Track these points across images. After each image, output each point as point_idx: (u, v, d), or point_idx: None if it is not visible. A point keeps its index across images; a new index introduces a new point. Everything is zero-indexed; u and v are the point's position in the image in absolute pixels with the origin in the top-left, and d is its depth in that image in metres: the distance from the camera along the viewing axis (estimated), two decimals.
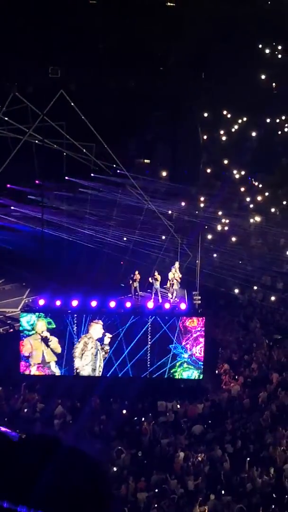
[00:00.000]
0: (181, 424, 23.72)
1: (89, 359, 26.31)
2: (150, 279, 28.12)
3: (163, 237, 34.62)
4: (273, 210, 41.69)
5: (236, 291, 34.48)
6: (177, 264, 28.97)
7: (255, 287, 35.06)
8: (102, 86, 37.35)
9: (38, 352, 26.22)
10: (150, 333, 26.54)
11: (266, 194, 42.21)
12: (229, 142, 43.70)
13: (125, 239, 35.82)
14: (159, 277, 28.09)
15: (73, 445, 1.74)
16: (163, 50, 40.22)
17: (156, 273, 28.14)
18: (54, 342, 26.14)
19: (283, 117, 44.25)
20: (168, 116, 38.74)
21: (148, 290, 28.51)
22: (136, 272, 28.21)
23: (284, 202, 42.09)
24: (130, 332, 26.42)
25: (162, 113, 38.22)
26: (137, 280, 28.16)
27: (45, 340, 26.06)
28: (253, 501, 18.67)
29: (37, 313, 26.51)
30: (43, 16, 37.90)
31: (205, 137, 43.17)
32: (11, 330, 28.26)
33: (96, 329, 26.26)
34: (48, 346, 26.10)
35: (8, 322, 28.65)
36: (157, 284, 28.04)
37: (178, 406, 25.07)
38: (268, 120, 44.25)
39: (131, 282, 28.20)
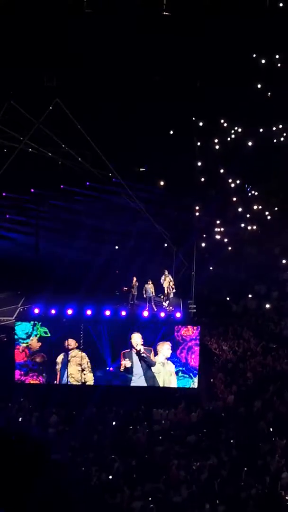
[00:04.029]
0: (176, 433, 23.66)
1: None
2: (144, 289, 28.12)
3: (159, 246, 34.59)
4: (268, 218, 41.68)
5: (231, 299, 34.48)
6: (167, 272, 28.98)
7: (250, 296, 35.02)
8: (97, 94, 37.40)
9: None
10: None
11: (262, 202, 42.22)
12: (225, 151, 43.73)
13: (116, 247, 35.80)
14: (152, 286, 28.11)
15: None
16: (159, 59, 40.24)
17: (149, 282, 28.15)
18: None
19: (278, 126, 44.30)
20: (163, 125, 38.75)
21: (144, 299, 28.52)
22: (134, 279, 28.22)
23: (277, 209, 42.09)
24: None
25: (158, 121, 38.21)
26: (136, 287, 28.19)
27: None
28: (248, 511, 18.61)
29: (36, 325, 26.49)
30: (39, 24, 37.97)
31: (200, 145, 43.20)
32: (5, 339, 28.24)
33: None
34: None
35: (4, 330, 28.60)
36: (150, 293, 28.07)
37: (173, 414, 25.03)
38: (263, 129, 44.29)
39: (131, 289, 28.25)
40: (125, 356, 26.79)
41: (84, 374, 26.75)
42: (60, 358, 26.73)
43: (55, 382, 26.73)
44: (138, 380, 26.83)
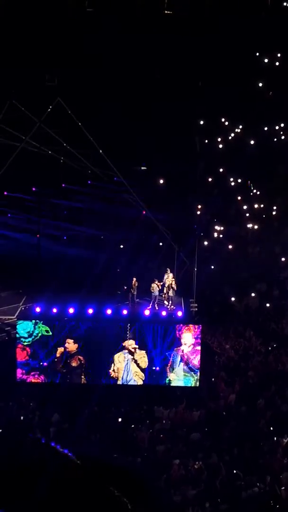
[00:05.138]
0: (177, 432, 23.66)
1: None
2: (152, 288, 28.05)
3: (160, 244, 34.57)
4: (270, 216, 41.66)
5: (233, 298, 34.44)
6: (169, 271, 28.98)
7: (252, 295, 34.98)
8: (98, 93, 37.42)
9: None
10: (148, 341, 26.64)
11: (264, 201, 42.20)
12: (226, 150, 43.75)
13: (121, 246, 35.80)
14: (159, 285, 28.09)
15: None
16: (160, 57, 40.26)
17: (156, 281, 28.12)
18: None
19: (280, 125, 44.35)
20: (165, 124, 38.77)
21: (145, 298, 28.50)
22: (134, 279, 28.21)
23: (279, 208, 42.07)
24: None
25: (159, 120, 38.25)
26: (136, 287, 28.17)
27: None
28: (250, 510, 18.61)
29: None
30: (40, 24, 38.01)
31: (202, 144, 43.22)
32: (7, 338, 28.24)
33: None
34: None
35: (5, 329, 28.60)
36: (156, 292, 28.04)
37: (175, 413, 25.03)
38: (265, 128, 44.33)
39: (130, 289, 28.22)
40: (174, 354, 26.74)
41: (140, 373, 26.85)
42: (121, 358, 26.64)
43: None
44: (177, 382, 26.75)
